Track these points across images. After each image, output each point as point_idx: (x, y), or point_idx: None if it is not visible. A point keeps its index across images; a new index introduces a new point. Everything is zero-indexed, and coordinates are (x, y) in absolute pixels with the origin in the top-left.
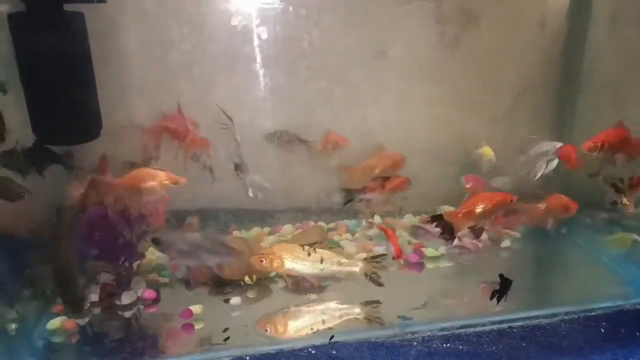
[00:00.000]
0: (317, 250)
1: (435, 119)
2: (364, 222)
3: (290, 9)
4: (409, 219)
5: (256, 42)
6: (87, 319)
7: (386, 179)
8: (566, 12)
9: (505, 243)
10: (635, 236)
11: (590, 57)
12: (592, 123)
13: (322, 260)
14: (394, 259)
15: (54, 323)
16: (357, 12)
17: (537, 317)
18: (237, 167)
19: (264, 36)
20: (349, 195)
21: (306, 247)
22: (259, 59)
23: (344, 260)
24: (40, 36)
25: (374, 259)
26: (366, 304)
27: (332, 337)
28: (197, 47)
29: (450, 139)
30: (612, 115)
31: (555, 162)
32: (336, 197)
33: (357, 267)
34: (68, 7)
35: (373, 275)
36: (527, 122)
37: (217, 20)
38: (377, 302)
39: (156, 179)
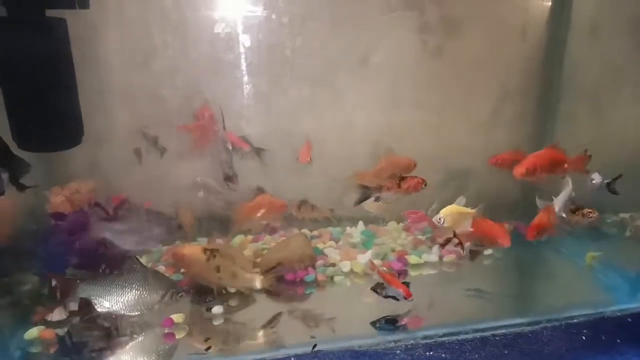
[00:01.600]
0: (217, 258)
1: (419, 126)
2: (347, 229)
3: (274, 16)
4: (393, 226)
5: (240, 49)
6: (66, 329)
7: (403, 178)
8: (546, 22)
9: (488, 251)
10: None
11: (570, 66)
12: (573, 130)
13: (218, 269)
14: (405, 299)
15: (32, 333)
16: (343, 22)
17: (520, 324)
18: (228, 178)
19: (248, 43)
20: (366, 193)
21: (207, 252)
22: (243, 66)
23: (241, 272)
24: (21, 42)
25: (269, 271)
26: (265, 326)
27: (314, 345)
28: (181, 53)
29: (434, 145)
30: (592, 123)
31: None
32: (352, 194)
33: (256, 281)
34: (50, 12)
35: (270, 288)
36: (509, 129)
37: (202, 27)
38: (277, 317)
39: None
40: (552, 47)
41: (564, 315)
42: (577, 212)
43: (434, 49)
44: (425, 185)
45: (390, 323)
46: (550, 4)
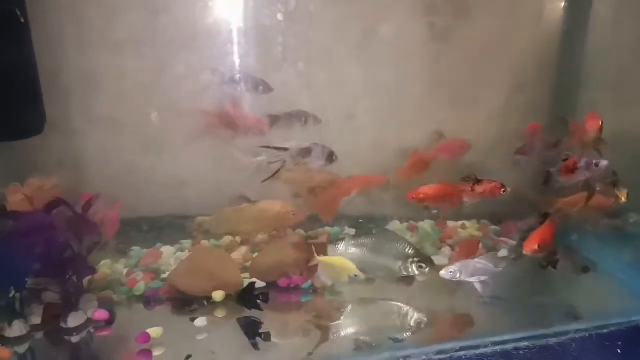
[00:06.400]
0: None
1: (424, 115)
2: (346, 229)
3: None
4: (396, 226)
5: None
6: (27, 346)
7: (478, 181)
8: (564, 5)
9: (502, 253)
10: None
11: (591, 53)
12: None
13: None
14: None
15: None
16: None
17: (545, 336)
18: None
19: (235, 13)
20: None
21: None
22: (223, 35)
23: None
24: None
25: None
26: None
27: None
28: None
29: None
30: (615, 114)
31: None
32: None
33: None
34: None
35: None
36: (523, 119)
37: None
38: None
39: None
40: (571, 33)
41: (593, 324)
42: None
43: (442, 32)
44: (504, 191)
45: None
46: None
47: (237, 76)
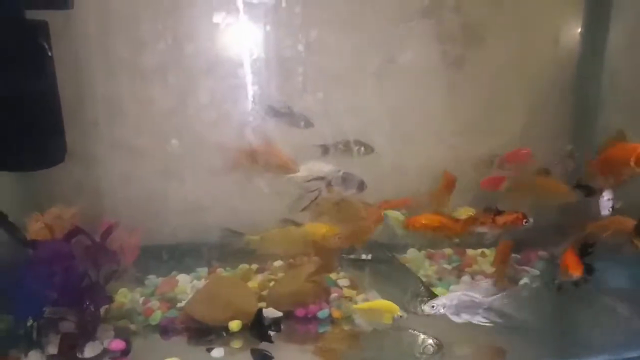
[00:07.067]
0: None
1: (441, 142)
2: (362, 257)
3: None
4: (414, 254)
5: (247, 47)
6: None
7: (499, 212)
8: (581, 28)
9: (523, 281)
10: None
11: (609, 77)
12: None
13: None
14: None
15: None
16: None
17: None
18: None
19: (256, 46)
20: None
21: None
22: (245, 63)
23: None
24: None
25: None
26: None
27: None
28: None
29: (458, 164)
30: (632, 136)
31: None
32: None
33: None
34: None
35: None
36: (542, 145)
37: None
38: None
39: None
40: (589, 56)
41: (617, 356)
42: None
43: (455, 59)
44: (527, 222)
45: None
46: (585, 8)
47: (263, 108)
